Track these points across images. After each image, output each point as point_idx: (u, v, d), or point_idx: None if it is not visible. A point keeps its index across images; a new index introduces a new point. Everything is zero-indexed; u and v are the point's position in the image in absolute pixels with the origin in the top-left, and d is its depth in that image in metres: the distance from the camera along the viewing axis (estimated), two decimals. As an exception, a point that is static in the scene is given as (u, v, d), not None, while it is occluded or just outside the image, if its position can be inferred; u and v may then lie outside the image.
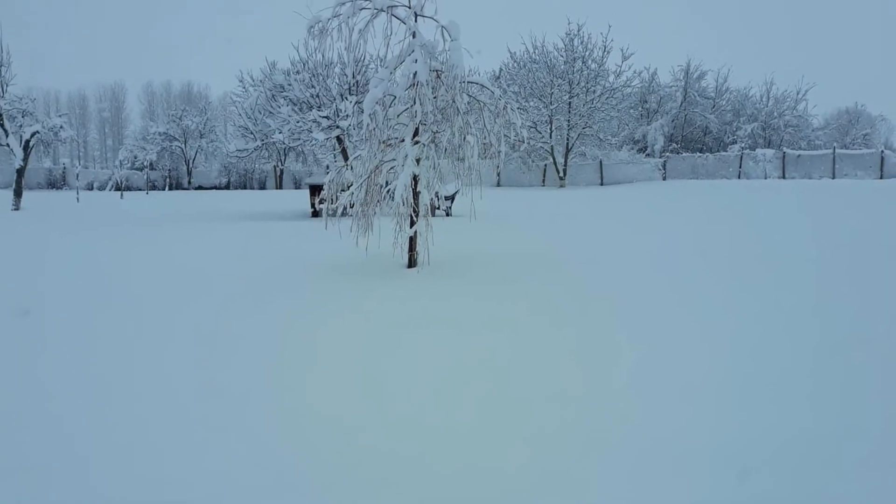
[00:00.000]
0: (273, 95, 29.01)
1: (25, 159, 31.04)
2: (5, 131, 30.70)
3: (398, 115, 10.50)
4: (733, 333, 7.40)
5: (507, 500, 4.19)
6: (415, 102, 10.14)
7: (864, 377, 6.01)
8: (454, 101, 10.14)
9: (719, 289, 9.73)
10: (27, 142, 31.25)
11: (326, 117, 25.49)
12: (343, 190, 10.87)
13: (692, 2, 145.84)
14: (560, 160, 48.19)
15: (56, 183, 58.28)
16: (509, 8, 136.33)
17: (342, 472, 4.51)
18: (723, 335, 7.36)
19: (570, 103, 46.62)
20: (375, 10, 9.66)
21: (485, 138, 10.81)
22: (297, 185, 62.16)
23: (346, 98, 25.47)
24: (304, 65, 28.11)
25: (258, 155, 31.27)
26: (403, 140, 10.57)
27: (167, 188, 62.66)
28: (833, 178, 43.61)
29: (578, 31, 47.96)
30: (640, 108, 57.54)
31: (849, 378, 5.99)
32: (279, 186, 63.07)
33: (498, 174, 48.43)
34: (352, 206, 10.75)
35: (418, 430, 5.19)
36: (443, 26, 10.12)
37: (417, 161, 10.52)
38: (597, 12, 49.26)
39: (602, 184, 48.69)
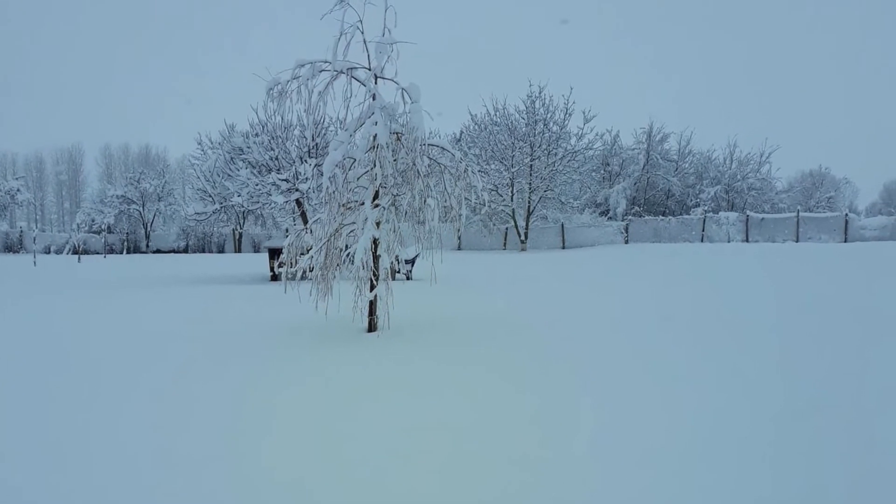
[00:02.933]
0: (232, 158, 28.98)
1: (-19, 223, 30.73)
2: (-40, 195, 30.43)
3: (358, 178, 10.49)
4: (695, 399, 7.37)
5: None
6: (375, 165, 10.15)
7: (826, 444, 5.99)
8: (415, 164, 10.15)
9: (681, 353, 9.70)
10: (-17, 205, 30.97)
11: (286, 180, 25.46)
12: (302, 253, 10.82)
13: (655, 63, 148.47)
14: (521, 223, 48.41)
15: (13, 247, 57.83)
16: (470, 70, 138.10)
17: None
18: (685, 400, 7.33)
19: (531, 166, 46.92)
20: (335, 73, 9.67)
21: (445, 201, 10.81)
22: (257, 249, 62.07)
23: (306, 161, 25.47)
24: (263, 127, 28.09)
25: (217, 218, 31.15)
26: (363, 203, 10.55)
27: (125, 251, 62.32)
28: (797, 241, 44.13)
29: (540, 93, 48.46)
30: (602, 171, 58.04)
31: (811, 444, 5.97)
32: (238, 250, 62.88)
33: (459, 237, 48.55)
34: (311, 270, 10.69)
35: (378, 493, 5.11)
36: (403, 88, 10.15)
37: (377, 224, 10.50)
38: (559, 73, 49.82)
39: (564, 247, 48.86)
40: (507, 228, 50.59)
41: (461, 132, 52.39)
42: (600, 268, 28.28)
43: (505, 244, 51.25)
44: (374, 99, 10.19)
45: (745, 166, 57.47)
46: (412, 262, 24.31)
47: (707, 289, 18.59)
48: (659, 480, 5.28)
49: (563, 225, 50.07)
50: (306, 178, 24.96)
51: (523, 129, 48.47)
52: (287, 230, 36.61)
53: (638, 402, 7.28)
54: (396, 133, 10.40)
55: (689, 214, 51.35)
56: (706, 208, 53.32)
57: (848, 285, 18.33)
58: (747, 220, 46.07)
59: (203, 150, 49.69)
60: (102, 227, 63.41)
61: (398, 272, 24.01)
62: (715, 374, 8.44)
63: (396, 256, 11.04)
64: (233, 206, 28.19)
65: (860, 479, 5.25)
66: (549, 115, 48.42)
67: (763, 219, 46.01)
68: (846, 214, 45.07)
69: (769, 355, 9.55)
